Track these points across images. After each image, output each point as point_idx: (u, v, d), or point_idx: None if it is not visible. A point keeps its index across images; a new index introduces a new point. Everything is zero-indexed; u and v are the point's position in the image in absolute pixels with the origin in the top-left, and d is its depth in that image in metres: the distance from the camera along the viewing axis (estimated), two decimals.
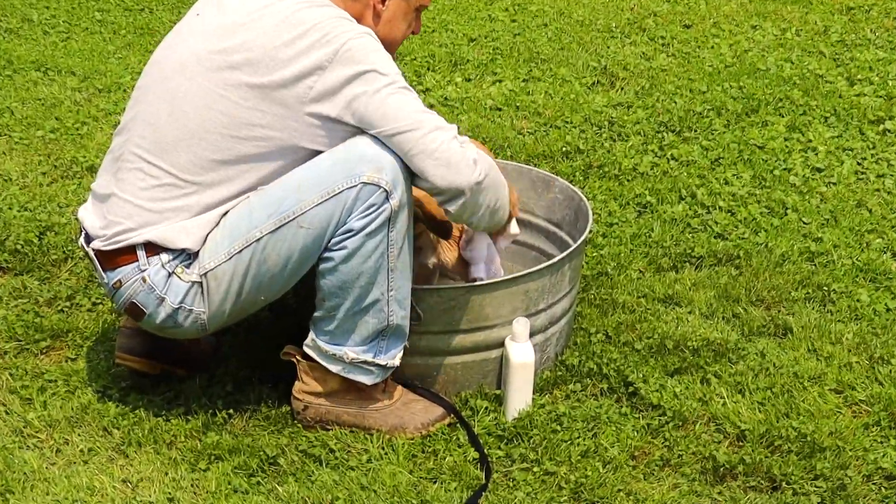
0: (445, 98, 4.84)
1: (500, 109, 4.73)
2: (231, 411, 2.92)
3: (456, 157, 2.63)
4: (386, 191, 2.60)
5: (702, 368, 3.06)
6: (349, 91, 2.61)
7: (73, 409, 2.94)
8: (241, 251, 2.63)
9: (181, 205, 2.67)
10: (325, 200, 2.60)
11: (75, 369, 3.10)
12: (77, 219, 2.91)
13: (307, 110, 2.62)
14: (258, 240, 2.62)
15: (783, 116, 4.48)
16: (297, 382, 2.86)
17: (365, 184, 2.59)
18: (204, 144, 2.64)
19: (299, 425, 2.87)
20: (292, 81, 2.60)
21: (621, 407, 2.94)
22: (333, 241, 2.63)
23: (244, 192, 2.69)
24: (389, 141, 2.63)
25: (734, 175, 4.10)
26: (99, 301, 3.42)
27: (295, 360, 2.85)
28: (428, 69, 5.13)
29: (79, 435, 2.85)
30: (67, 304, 3.41)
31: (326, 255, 2.65)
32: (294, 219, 2.61)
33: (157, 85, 2.71)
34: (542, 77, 5.00)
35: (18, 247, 3.64)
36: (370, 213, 2.61)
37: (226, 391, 2.99)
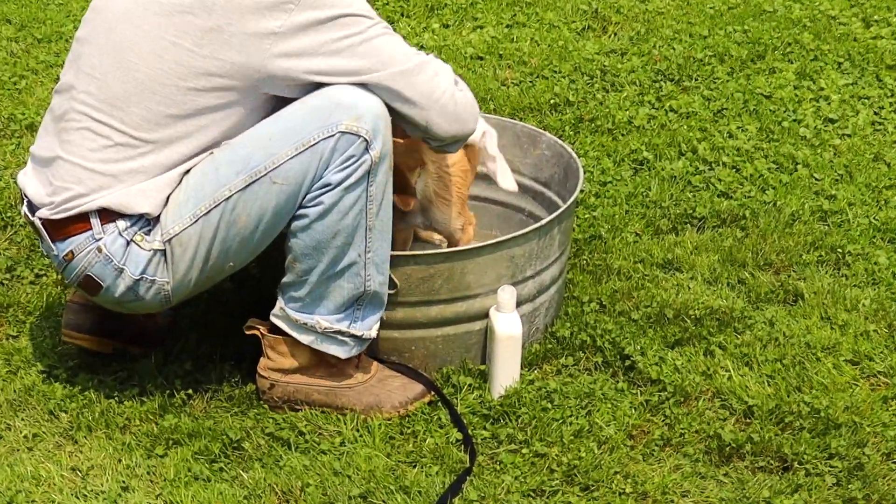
0: (421, 46, 4.80)
1: (481, 58, 4.69)
2: (190, 391, 2.90)
3: (461, 108, 2.71)
4: (366, 140, 2.60)
5: (705, 339, 3.05)
6: (321, 37, 2.58)
7: (15, 391, 2.91)
8: (208, 212, 2.61)
9: (137, 166, 2.64)
10: (300, 153, 2.59)
11: (17, 348, 3.07)
12: (17, 184, 2.85)
13: (271, 58, 2.57)
14: (227, 199, 2.61)
15: (792, 63, 4.46)
16: (262, 359, 2.85)
17: (343, 133, 2.59)
18: (157, 98, 2.61)
19: (265, 406, 2.86)
20: (253, 25, 2.55)
21: (617, 382, 2.92)
22: (309, 196, 2.63)
23: (206, 148, 2.67)
24: (382, 88, 2.63)
25: (739, 127, 4.08)
26: (42, 272, 3.39)
27: (259, 335, 2.84)
28: (402, 14, 5.09)
29: (22, 419, 2.83)
30: (7, 276, 3.38)
31: (301, 212, 2.64)
32: (266, 174, 2.60)
33: (100, 36, 2.67)
34: (528, 22, 4.97)
35: None
36: (349, 166, 2.60)
37: (184, 370, 2.97)
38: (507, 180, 3.10)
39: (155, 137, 2.63)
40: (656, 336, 3.06)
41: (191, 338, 3.07)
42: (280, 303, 2.78)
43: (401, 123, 2.74)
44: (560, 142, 3.31)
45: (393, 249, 2.76)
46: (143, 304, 2.72)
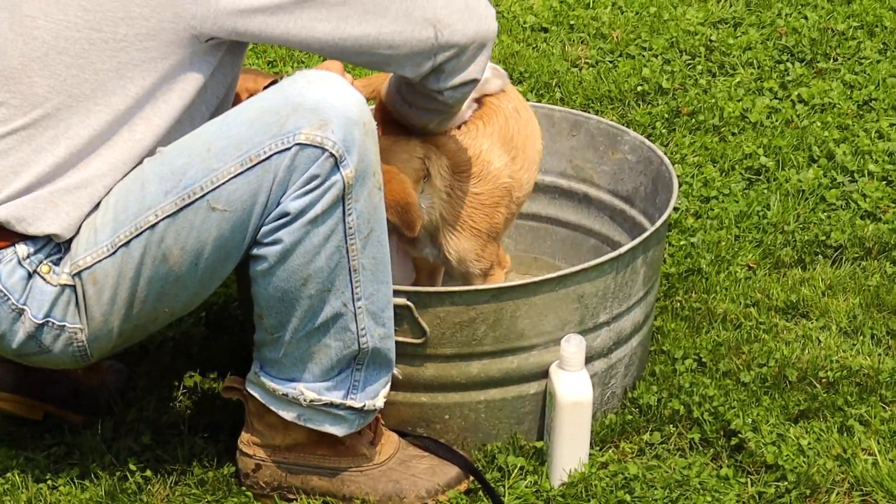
0: None
1: (545, 30, 4.74)
2: (149, 473, 2.93)
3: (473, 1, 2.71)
4: (334, 155, 2.58)
5: (841, 411, 3.08)
6: None
7: None
8: (128, 242, 2.62)
9: (44, 161, 2.64)
10: (246, 170, 2.58)
11: None
12: None
13: None
14: (152, 226, 2.61)
15: None
16: (244, 431, 2.88)
17: (302, 145, 2.58)
18: (66, 60, 2.62)
19: (248, 493, 2.89)
20: None
21: (720, 467, 2.95)
22: (263, 230, 2.63)
23: (143, 140, 2.66)
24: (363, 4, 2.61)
25: (892, 125, 4.10)
26: None
27: (243, 398, 2.87)
28: None
29: None
30: None
31: (256, 251, 2.65)
32: (202, 196, 2.60)
33: None
34: None
35: None
36: (312, 190, 2.59)
37: (141, 444, 3.01)
38: None
39: (62, 117, 2.63)
40: (774, 406, 3.08)
41: (150, 401, 3.11)
42: (255, 365, 2.80)
43: (393, 63, 2.70)
44: (648, 143, 3.35)
45: (418, 282, 2.79)
46: (52, 358, 2.73)
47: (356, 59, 2.71)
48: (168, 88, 2.65)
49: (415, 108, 2.88)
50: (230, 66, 2.71)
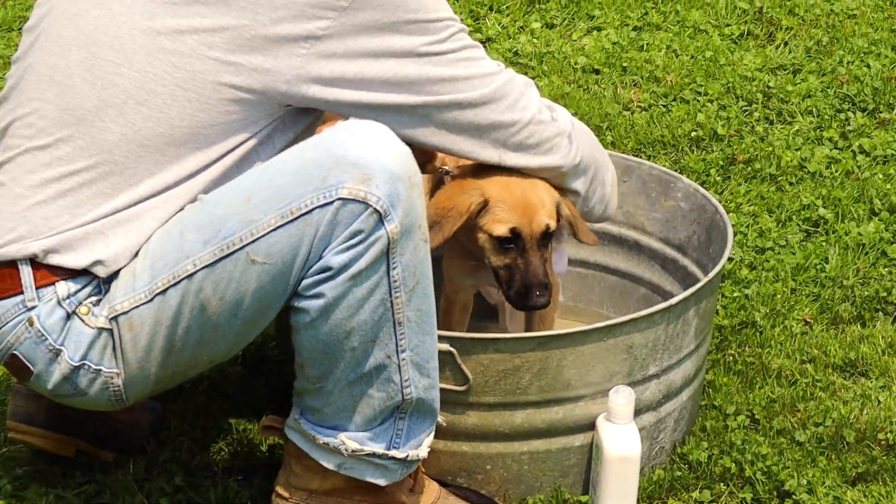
0: (515, 52, 4.87)
1: (597, 72, 4.74)
2: None
3: (549, 135, 2.84)
4: (378, 211, 2.58)
5: None
6: (378, 43, 2.65)
7: None
8: (165, 290, 2.63)
9: (102, 204, 2.66)
10: (287, 223, 2.59)
11: None
12: None
13: (304, 68, 2.66)
14: (190, 276, 2.62)
15: None
16: (281, 472, 2.87)
17: (344, 200, 2.58)
18: (145, 112, 2.65)
19: None
20: (288, 26, 2.62)
21: None
22: (305, 283, 2.63)
23: (199, 177, 2.69)
24: (449, 116, 2.73)
25: None
26: None
27: (280, 438, 2.86)
28: (490, 9, 5.16)
29: None
30: None
31: (298, 304, 2.65)
32: (241, 248, 2.60)
33: (61, 24, 2.71)
34: (663, 24, 5.02)
35: None
36: (355, 245, 2.60)
37: (173, 485, 3.00)
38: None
39: (130, 163, 2.65)
40: (830, 467, 3.05)
41: (183, 441, 3.11)
42: (294, 412, 2.79)
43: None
44: (702, 190, 3.34)
45: (450, 323, 2.79)
46: (87, 401, 2.73)
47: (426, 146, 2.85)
48: (240, 149, 2.69)
49: None
50: (302, 125, 2.76)
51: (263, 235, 2.58)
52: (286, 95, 2.65)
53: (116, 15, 2.64)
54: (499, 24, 5.04)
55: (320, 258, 2.59)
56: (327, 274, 2.59)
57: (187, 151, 2.66)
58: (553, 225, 2.93)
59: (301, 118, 2.74)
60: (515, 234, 2.90)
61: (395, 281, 2.63)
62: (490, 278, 3.04)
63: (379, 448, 2.75)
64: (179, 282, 2.61)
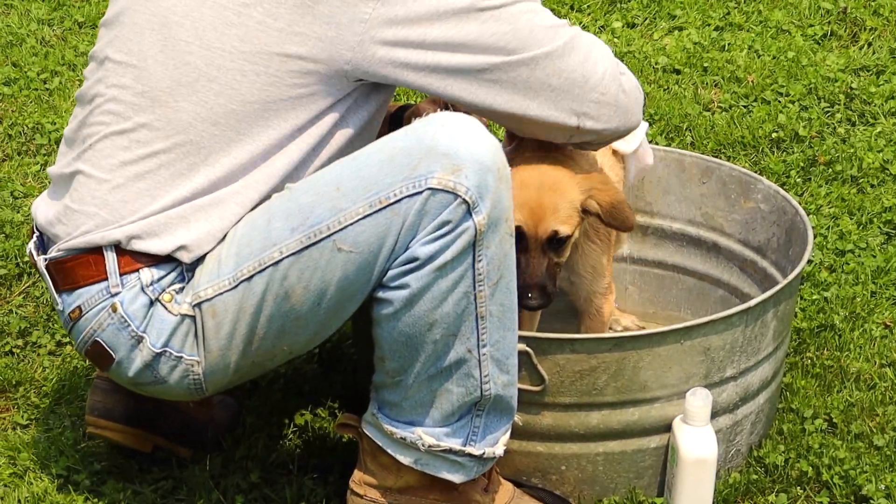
0: None
1: (678, 72, 4.73)
2: None
3: (628, 94, 2.82)
4: (466, 202, 2.60)
5: None
6: (437, 3, 2.64)
7: (21, 502, 2.98)
8: (250, 277, 2.65)
9: (181, 185, 2.69)
10: (375, 212, 2.61)
11: (27, 441, 3.16)
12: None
13: (369, 35, 2.65)
14: (276, 263, 2.64)
15: None
16: (356, 470, 2.89)
17: (434, 190, 2.60)
18: (216, 88, 2.67)
19: None
20: None
21: None
22: (390, 274, 2.64)
23: (282, 170, 2.71)
24: (517, 81, 2.69)
25: None
26: (66, 339, 3.49)
27: (357, 437, 2.88)
28: (571, 8, 5.16)
29: None
30: (19, 342, 3.49)
31: (382, 294, 2.66)
32: (328, 236, 2.62)
33: (136, 11, 2.74)
34: (745, 24, 4.99)
35: None
36: (443, 235, 2.61)
37: (249, 482, 3.03)
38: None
39: (206, 142, 2.68)
40: None
41: (259, 439, 3.13)
42: (372, 406, 2.80)
43: (531, 130, 2.82)
44: (783, 192, 3.33)
45: (520, 323, 2.77)
46: (167, 389, 2.76)
47: (497, 122, 2.83)
48: (312, 124, 2.70)
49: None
50: (374, 104, 2.76)
51: (351, 224, 2.60)
52: (351, 64, 2.65)
53: None
54: (580, 22, 5.02)
55: (407, 248, 2.61)
56: (414, 264, 2.61)
57: (260, 128, 2.68)
58: (565, 231, 2.91)
59: (372, 96, 2.74)
60: (519, 234, 2.86)
61: (480, 274, 2.64)
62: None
63: (456, 444, 2.76)
64: (265, 269, 2.63)
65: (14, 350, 3.48)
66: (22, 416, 3.26)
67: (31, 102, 4.56)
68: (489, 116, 2.79)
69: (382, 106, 2.78)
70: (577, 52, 2.73)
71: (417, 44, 2.64)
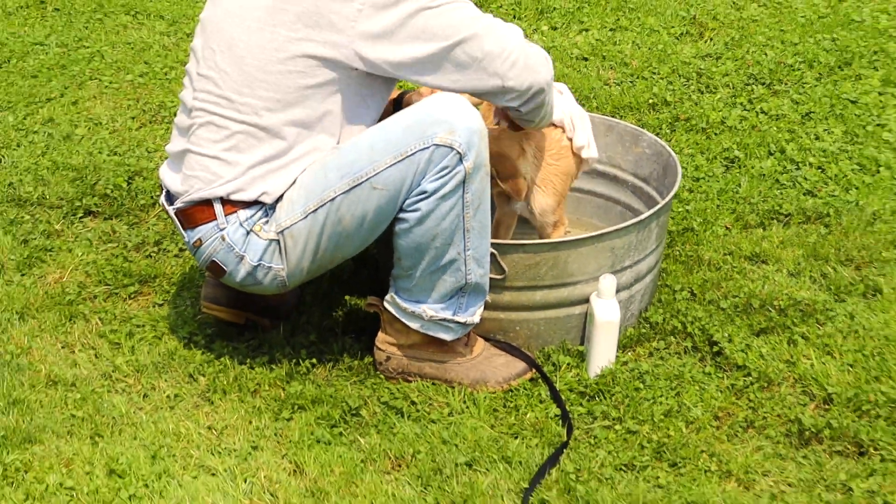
0: None
1: (586, 59, 4.64)
2: (314, 361, 2.91)
3: (532, 57, 2.65)
4: (459, 153, 2.58)
5: (789, 329, 2.99)
6: (405, 6, 2.55)
7: (160, 354, 2.95)
8: (315, 210, 2.62)
9: (256, 152, 2.64)
10: (398, 162, 2.57)
11: (162, 315, 3.11)
12: (159, 176, 2.90)
13: (356, 38, 2.56)
14: (332, 199, 2.61)
15: (877, 70, 4.33)
16: (380, 333, 2.86)
17: (437, 146, 2.57)
18: (265, 84, 2.61)
19: (381, 376, 2.86)
20: (339, 6, 2.54)
21: (705, 366, 2.88)
22: (408, 202, 2.62)
23: (318, 136, 2.65)
24: (459, 52, 2.57)
25: (825, 130, 3.98)
26: (185, 248, 3.43)
27: (379, 311, 2.84)
28: (514, 17, 5.05)
29: (165, 381, 2.87)
30: (155, 249, 3.43)
31: (401, 216, 2.64)
32: (367, 179, 2.59)
33: (211, 39, 2.67)
34: (630, 26, 4.89)
35: (108, 191, 3.67)
36: (443, 176, 2.59)
37: (309, 341, 2.99)
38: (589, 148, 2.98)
39: (267, 123, 2.62)
40: (743, 324, 3.00)
41: (315, 312, 3.09)
42: (391, 291, 2.78)
43: (481, 95, 2.69)
44: (660, 141, 3.25)
45: (497, 236, 2.75)
46: (263, 287, 2.74)
47: (456, 91, 2.66)
48: (345, 107, 2.65)
49: (519, 118, 2.81)
50: (374, 84, 2.67)
51: (382, 171, 2.58)
52: (349, 59, 2.59)
53: (241, 25, 2.61)
54: (519, 27, 4.92)
55: (419, 185, 2.59)
56: (424, 196, 2.59)
57: (301, 108, 2.62)
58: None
59: (371, 78, 2.64)
60: None
61: (467, 201, 2.63)
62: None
63: (448, 315, 2.75)
64: (324, 204, 2.60)
65: (152, 254, 3.43)
66: (158, 299, 3.21)
67: (157, 88, 4.49)
68: (449, 90, 2.66)
69: (382, 85, 2.69)
70: (493, 31, 2.61)
71: (390, 48, 2.57)
